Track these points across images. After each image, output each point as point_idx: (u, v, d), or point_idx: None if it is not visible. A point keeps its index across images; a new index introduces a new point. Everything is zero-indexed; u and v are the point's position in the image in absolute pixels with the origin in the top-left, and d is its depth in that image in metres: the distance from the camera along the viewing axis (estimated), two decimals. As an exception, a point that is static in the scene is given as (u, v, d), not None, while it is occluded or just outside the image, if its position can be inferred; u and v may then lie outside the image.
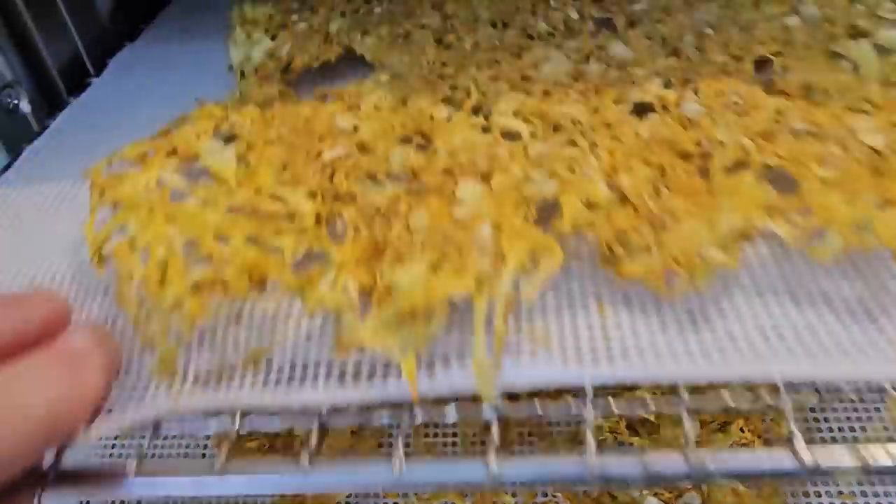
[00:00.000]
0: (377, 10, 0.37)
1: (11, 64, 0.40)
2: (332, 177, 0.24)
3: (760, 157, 0.23)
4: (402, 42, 0.33)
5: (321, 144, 0.25)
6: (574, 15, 0.35)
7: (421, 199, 0.23)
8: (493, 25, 0.34)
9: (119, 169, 0.26)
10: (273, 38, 0.36)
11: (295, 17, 0.37)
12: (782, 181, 0.23)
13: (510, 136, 0.26)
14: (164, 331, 0.20)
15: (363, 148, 0.26)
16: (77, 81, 0.42)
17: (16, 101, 0.39)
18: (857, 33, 0.31)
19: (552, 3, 0.36)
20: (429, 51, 0.32)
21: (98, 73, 0.42)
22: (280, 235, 0.22)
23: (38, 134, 0.36)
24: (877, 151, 0.23)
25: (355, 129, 0.27)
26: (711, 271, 0.20)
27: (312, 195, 0.24)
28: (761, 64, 0.30)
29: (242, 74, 0.35)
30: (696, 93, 0.28)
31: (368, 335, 0.20)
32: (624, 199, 0.22)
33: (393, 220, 0.22)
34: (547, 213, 0.22)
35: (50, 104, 0.41)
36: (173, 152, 0.26)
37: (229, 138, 0.27)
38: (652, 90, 0.28)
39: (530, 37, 0.33)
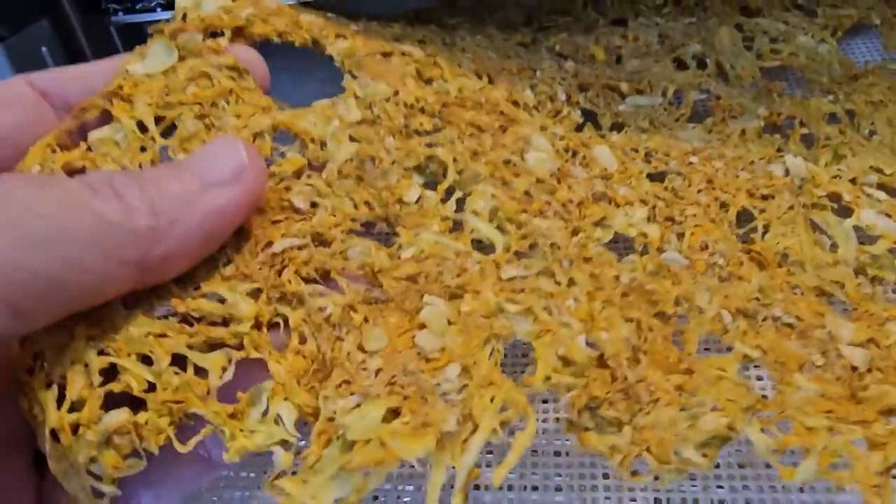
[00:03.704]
0: (354, 27, 0.31)
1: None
2: (281, 272, 0.20)
3: (741, 344, 0.21)
4: (380, 59, 0.28)
5: (273, 230, 0.21)
6: (561, 96, 0.31)
7: (379, 311, 0.20)
8: (479, 77, 0.30)
9: None
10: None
11: None
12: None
13: (481, 243, 0.23)
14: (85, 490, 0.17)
15: (319, 237, 0.21)
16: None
17: (80, 136, 0.40)
18: (841, 207, 0.29)
19: (538, 73, 0.32)
20: (409, 83, 0.27)
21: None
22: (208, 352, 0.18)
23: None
24: (855, 369, 0.21)
25: (313, 206, 0.22)
26: (684, 472, 0.18)
27: (255, 294, 0.19)
28: (743, 213, 0.28)
29: (184, 19, 0.27)
30: (679, 238, 0.25)
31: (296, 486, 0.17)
32: (602, 361, 0.19)
33: (345, 332, 0.19)
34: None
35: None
36: None
37: None
38: (636, 223, 0.25)
39: (515, 103, 0.29)
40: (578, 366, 0.19)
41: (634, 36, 0.41)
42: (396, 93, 0.26)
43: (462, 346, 0.18)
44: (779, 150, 0.32)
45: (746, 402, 0.19)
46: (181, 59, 0.23)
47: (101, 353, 0.17)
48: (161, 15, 0.44)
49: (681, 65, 0.38)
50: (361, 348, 0.18)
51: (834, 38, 0.40)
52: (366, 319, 0.19)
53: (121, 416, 0.17)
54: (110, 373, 0.17)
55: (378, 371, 0.18)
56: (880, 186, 0.30)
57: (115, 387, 0.17)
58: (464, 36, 0.38)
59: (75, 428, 0.17)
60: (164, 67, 0.22)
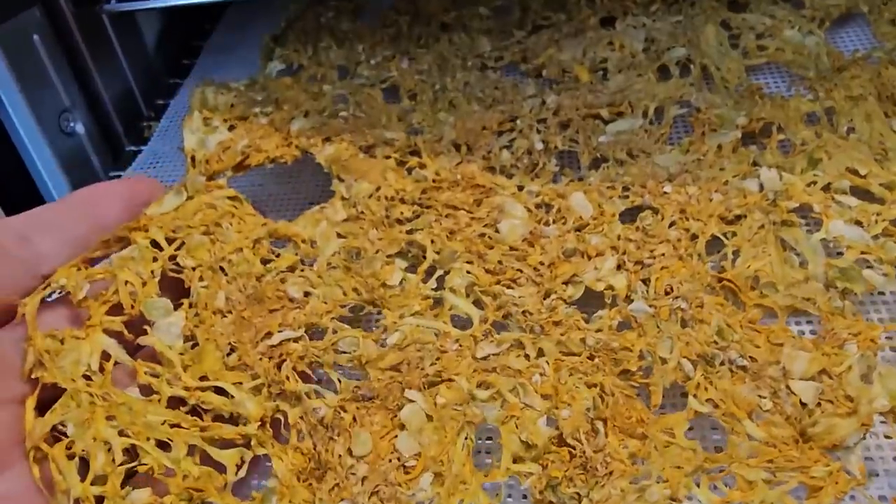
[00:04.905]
0: (343, 113, 0.35)
1: (69, 91, 0.44)
2: (280, 364, 0.24)
3: (695, 400, 0.24)
4: (363, 158, 0.32)
5: (271, 319, 0.25)
6: (539, 145, 0.33)
7: (366, 410, 0.23)
8: (458, 148, 0.33)
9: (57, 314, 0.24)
10: (231, 128, 0.33)
11: (257, 109, 0.35)
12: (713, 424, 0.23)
13: (460, 318, 0.26)
14: None
15: (312, 328, 0.25)
16: (126, 107, 0.48)
17: (72, 125, 0.45)
18: (811, 219, 0.31)
19: (518, 122, 0.35)
20: (389, 177, 0.31)
21: (145, 100, 0.49)
22: (223, 446, 0.22)
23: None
24: (805, 405, 0.24)
25: (306, 296, 0.26)
26: None
27: (258, 389, 0.23)
28: (714, 240, 0.30)
29: (193, 161, 0.33)
30: (645, 284, 0.28)
31: None
32: (561, 439, 0.23)
33: (336, 434, 0.23)
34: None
35: (103, 128, 0.47)
36: (116, 308, 0.24)
37: (176, 293, 0.25)
38: (604, 276, 0.28)
39: (492, 169, 0.32)
40: (539, 449, 0.22)
41: (621, 43, 0.42)
42: (378, 188, 0.30)
43: (437, 445, 0.22)
44: (754, 163, 0.33)
45: (693, 465, 0.22)
46: (189, 198, 0.27)
47: (121, 433, 0.21)
48: (154, 3, 0.43)
49: (665, 73, 0.40)
50: (350, 452, 0.22)
51: (822, 28, 0.41)
52: (354, 419, 0.23)
53: (146, 495, 0.20)
54: (126, 453, 0.21)
55: (364, 479, 0.21)
56: (853, 191, 0.31)
57: (139, 468, 0.20)
58: (455, 72, 0.41)
59: (98, 500, 0.20)
60: (176, 206, 0.26)
